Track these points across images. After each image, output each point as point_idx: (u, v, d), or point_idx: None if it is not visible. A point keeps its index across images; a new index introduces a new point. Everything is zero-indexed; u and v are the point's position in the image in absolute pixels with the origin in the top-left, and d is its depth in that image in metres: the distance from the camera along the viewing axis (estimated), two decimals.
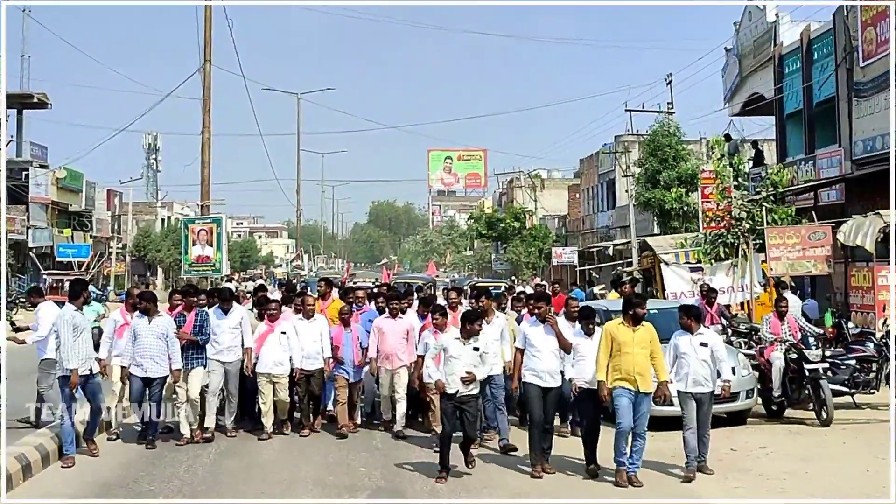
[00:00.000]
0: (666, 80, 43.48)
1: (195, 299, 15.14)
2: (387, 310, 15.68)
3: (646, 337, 12.08)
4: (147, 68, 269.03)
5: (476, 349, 12.39)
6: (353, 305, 16.45)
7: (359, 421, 15.68)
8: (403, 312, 15.77)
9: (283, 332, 14.86)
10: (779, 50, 33.90)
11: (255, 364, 14.84)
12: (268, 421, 14.82)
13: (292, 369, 14.96)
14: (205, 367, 14.56)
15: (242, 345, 14.90)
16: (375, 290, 20.31)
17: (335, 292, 18.77)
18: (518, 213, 68.31)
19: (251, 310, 16.37)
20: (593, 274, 47.11)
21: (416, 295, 19.48)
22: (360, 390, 15.89)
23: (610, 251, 49.56)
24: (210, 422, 14.62)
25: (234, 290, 20.99)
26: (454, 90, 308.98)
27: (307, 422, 15.21)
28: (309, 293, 18.17)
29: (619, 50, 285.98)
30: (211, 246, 25.38)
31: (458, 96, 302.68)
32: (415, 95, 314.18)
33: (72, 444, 12.84)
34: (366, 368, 15.41)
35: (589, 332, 12.69)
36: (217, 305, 15.33)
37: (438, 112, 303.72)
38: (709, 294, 20.20)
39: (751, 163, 34.49)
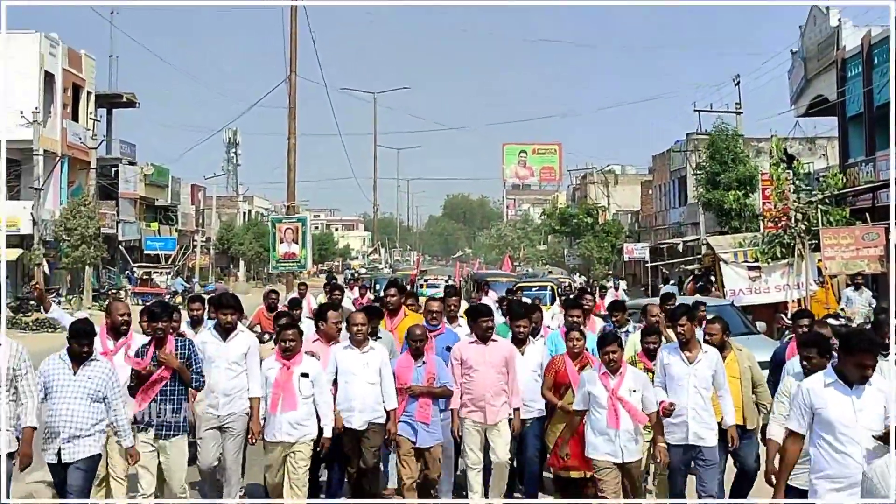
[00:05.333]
0: (734, 80, 44.42)
1: (160, 325, 9.27)
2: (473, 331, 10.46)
3: None
4: (229, 64, 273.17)
5: None
6: (426, 324, 10.92)
7: None
8: (523, 341, 10.76)
9: (305, 375, 9.50)
10: (841, 54, 34.70)
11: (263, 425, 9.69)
12: None
13: (320, 433, 9.62)
14: (188, 432, 9.48)
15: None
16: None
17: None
18: (591, 209, 68.91)
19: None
20: (663, 270, 48.03)
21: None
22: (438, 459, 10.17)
23: (680, 248, 50.36)
24: None
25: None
26: (528, 88, 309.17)
27: None
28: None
29: (693, 52, 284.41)
30: (296, 243, 27.01)
31: (532, 94, 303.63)
32: (489, 93, 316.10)
33: None
34: (439, 421, 10.18)
35: None
36: (213, 324, 10.33)
37: (511, 111, 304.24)
38: None
39: (812, 164, 35.49)
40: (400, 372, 10.00)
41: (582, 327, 11.01)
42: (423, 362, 10.01)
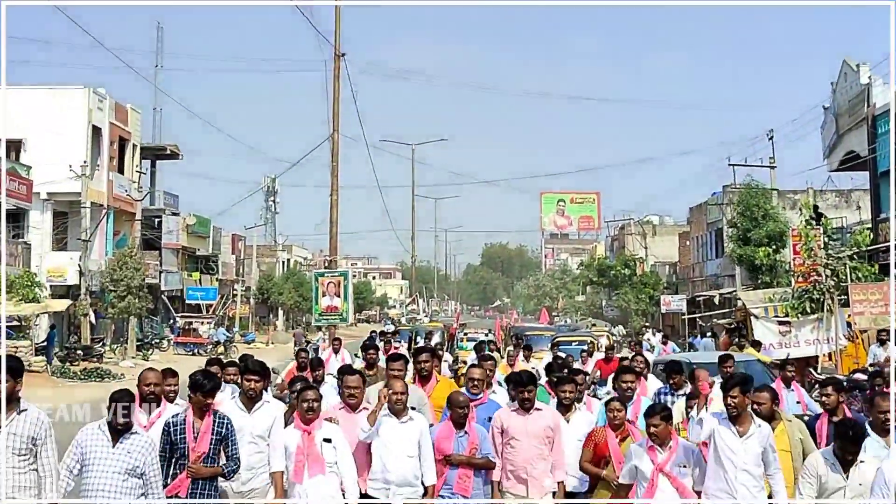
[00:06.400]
0: (768, 135, 44.92)
1: (209, 400, 8.72)
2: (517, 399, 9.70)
3: None
4: (270, 115, 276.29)
5: None
6: (467, 392, 10.05)
7: None
8: (568, 407, 10.26)
9: (327, 440, 8.81)
10: (872, 111, 35.19)
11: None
12: None
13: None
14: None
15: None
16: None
17: (444, 367, 14.95)
18: (628, 261, 69.38)
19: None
20: (700, 323, 48.21)
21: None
22: None
23: (717, 300, 50.50)
24: None
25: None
26: (566, 141, 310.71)
27: None
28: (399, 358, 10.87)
29: (729, 108, 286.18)
30: (338, 297, 27.67)
31: (571, 147, 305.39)
32: (526, 145, 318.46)
33: None
34: (482, 495, 9.37)
35: None
36: (238, 393, 9.78)
37: (549, 162, 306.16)
38: None
39: (845, 218, 35.96)
40: (440, 442, 9.21)
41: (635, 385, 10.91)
42: (466, 432, 9.25)
